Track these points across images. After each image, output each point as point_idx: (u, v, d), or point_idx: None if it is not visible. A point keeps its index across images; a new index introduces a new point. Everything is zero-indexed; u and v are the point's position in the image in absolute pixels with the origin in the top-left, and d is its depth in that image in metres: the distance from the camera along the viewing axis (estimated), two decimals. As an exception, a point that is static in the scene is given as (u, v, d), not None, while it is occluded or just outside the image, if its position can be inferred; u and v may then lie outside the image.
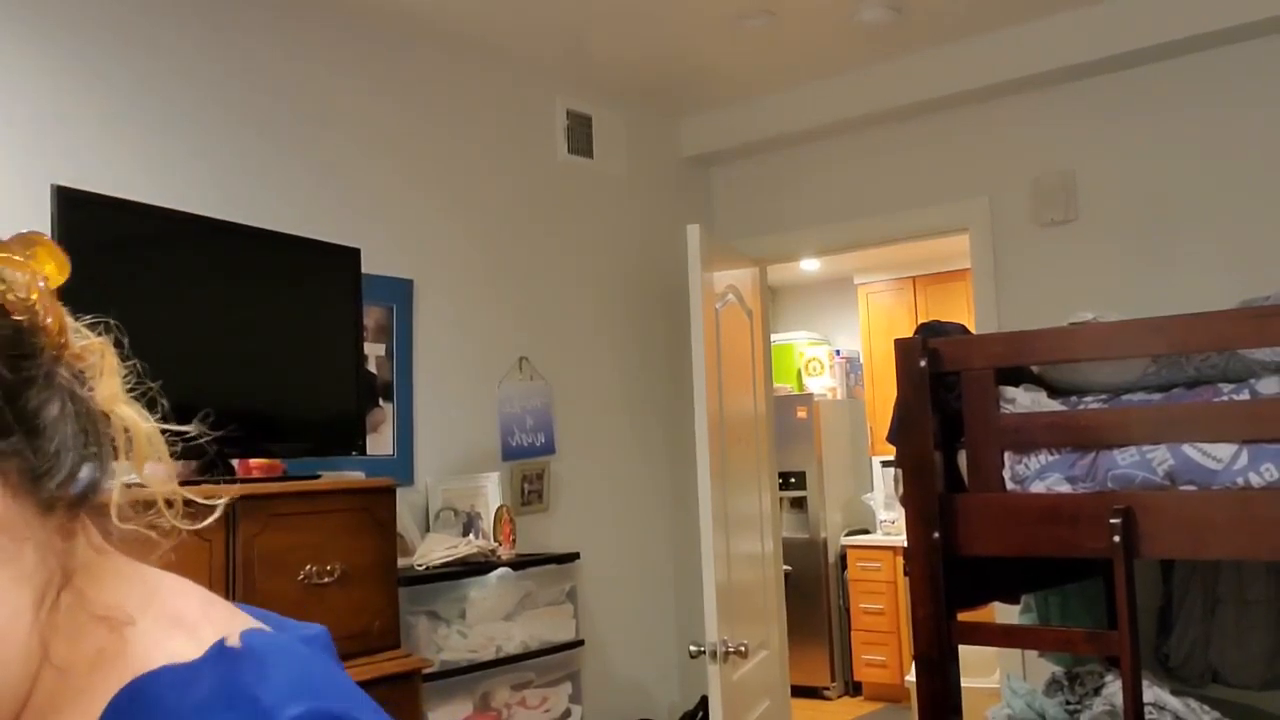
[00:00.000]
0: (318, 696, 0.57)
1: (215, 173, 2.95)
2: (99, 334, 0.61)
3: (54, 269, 0.58)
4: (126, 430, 0.59)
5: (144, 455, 0.60)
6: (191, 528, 0.63)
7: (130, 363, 0.61)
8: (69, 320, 0.59)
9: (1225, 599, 2.99)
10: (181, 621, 0.60)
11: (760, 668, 3.60)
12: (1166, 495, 2.12)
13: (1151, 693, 2.56)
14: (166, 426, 0.62)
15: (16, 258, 0.56)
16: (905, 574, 2.46)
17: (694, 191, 4.64)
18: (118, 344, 0.62)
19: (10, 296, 0.55)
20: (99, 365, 0.59)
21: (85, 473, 0.57)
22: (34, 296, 0.56)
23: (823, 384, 6.74)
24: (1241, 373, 2.19)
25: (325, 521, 2.41)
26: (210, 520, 0.64)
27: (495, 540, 3.28)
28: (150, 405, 0.62)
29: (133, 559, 0.62)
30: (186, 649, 0.58)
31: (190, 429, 0.65)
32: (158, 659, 0.57)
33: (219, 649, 0.58)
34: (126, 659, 0.57)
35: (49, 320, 0.56)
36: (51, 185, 2.14)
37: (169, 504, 0.61)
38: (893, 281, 6.66)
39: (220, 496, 0.65)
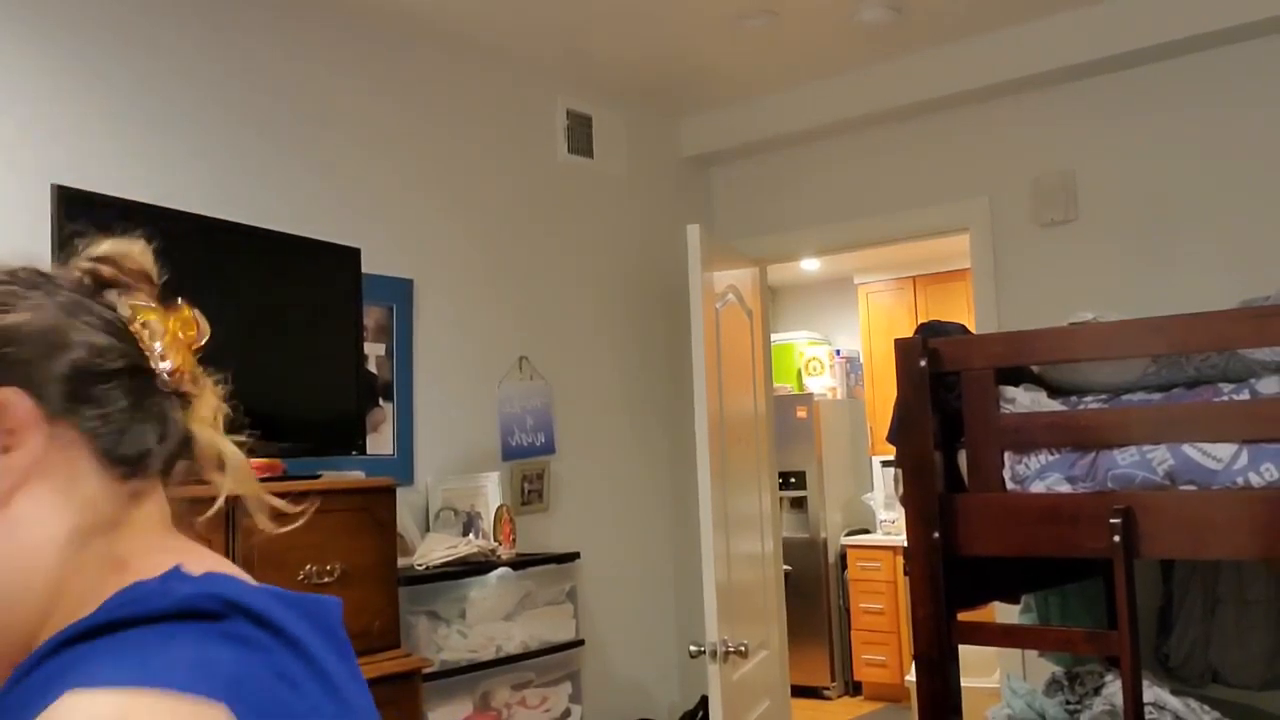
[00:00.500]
0: (228, 590, 0.67)
1: (215, 173, 2.95)
2: (217, 382, 0.81)
3: (180, 326, 0.80)
4: (219, 453, 0.78)
5: (235, 476, 0.78)
6: (278, 529, 0.83)
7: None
8: (193, 364, 0.80)
9: (1225, 599, 2.99)
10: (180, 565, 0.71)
11: (760, 668, 3.60)
12: (1166, 495, 2.12)
13: (1151, 693, 2.56)
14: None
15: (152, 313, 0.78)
16: (905, 574, 2.46)
17: (694, 191, 4.64)
18: (229, 396, 0.82)
19: (148, 339, 0.77)
20: (194, 388, 0.78)
21: (151, 450, 0.74)
22: (148, 317, 0.78)
23: (823, 384, 6.74)
24: (1241, 373, 2.19)
25: (325, 521, 2.41)
26: (297, 524, 0.85)
27: (495, 540, 3.27)
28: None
29: (191, 543, 0.77)
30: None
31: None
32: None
33: (174, 570, 0.69)
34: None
35: (154, 343, 0.77)
36: (51, 185, 2.14)
37: (259, 502, 0.81)
38: (893, 281, 6.66)
39: (304, 503, 0.86)
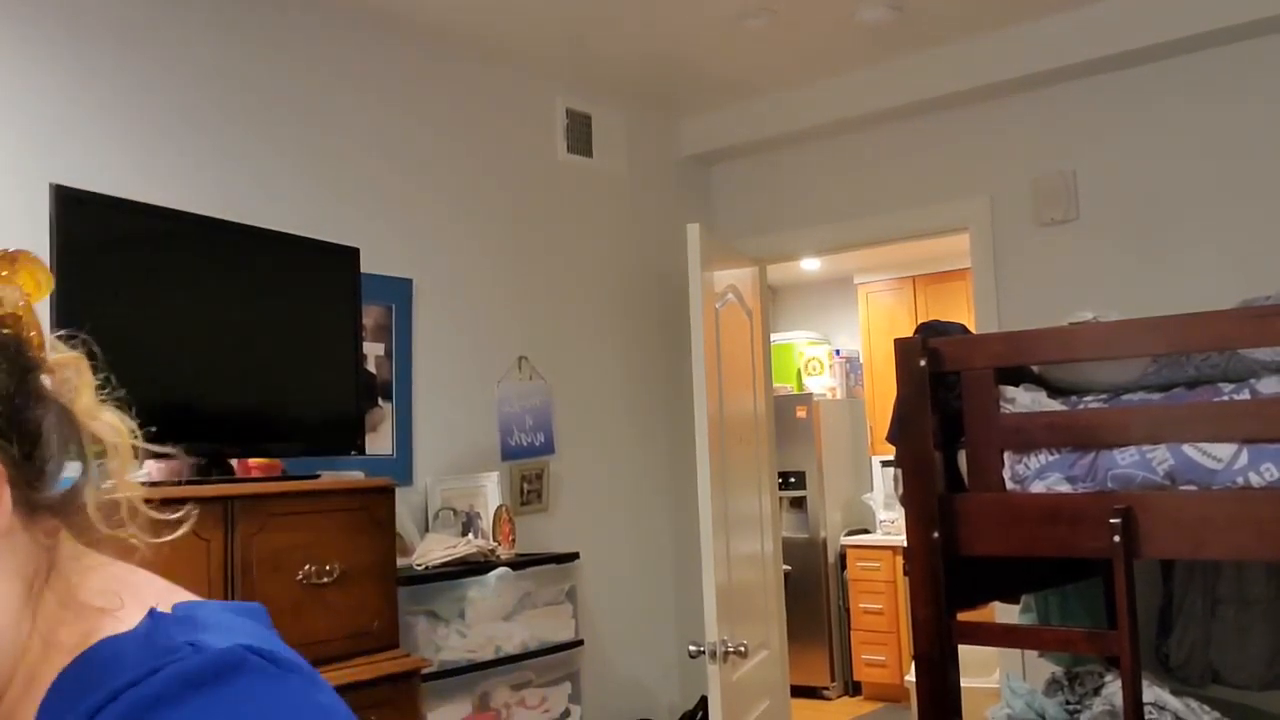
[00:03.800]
0: (245, 638, 0.61)
1: (215, 172, 2.95)
2: (72, 348, 0.67)
3: (34, 286, 0.64)
4: (105, 438, 0.66)
5: (126, 462, 0.67)
6: (157, 539, 0.69)
7: (102, 375, 0.67)
8: (47, 335, 0.65)
9: (1225, 599, 2.99)
10: (146, 604, 0.64)
11: (760, 668, 3.60)
12: (1166, 495, 2.12)
13: (1151, 693, 2.56)
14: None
15: (3, 272, 0.63)
16: (905, 574, 2.46)
17: (694, 191, 4.64)
18: (91, 356, 0.68)
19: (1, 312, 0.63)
20: (76, 379, 0.66)
21: (68, 476, 0.64)
22: (19, 312, 0.63)
23: (822, 384, 6.74)
24: (1242, 372, 2.19)
25: (324, 521, 2.41)
26: (178, 533, 0.70)
27: (494, 540, 3.27)
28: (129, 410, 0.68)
29: (105, 556, 0.68)
30: (133, 622, 0.62)
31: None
32: (109, 633, 0.62)
33: (152, 614, 0.62)
34: (97, 638, 0.62)
35: (32, 334, 0.63)
36: (51, 185, 2.14)
37: (132, 509, 0.67)
38: (893, 281, 6.66)
39: (185, 506, 0.71)
